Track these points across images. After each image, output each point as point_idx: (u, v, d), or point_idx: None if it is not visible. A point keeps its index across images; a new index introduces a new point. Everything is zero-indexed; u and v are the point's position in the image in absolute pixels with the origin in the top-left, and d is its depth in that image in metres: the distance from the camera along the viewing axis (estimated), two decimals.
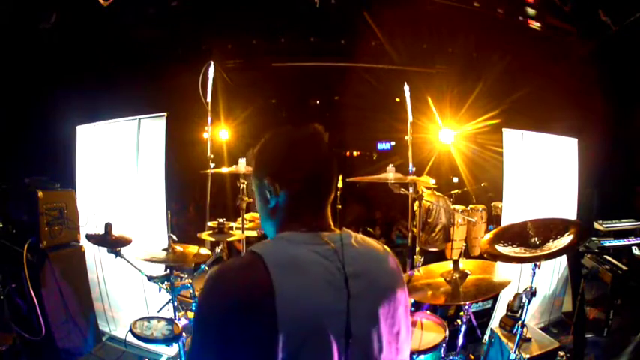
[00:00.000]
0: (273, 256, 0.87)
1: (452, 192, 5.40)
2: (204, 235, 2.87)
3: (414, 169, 2.86)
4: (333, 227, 1.01)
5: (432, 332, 2.32)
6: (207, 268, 2.79)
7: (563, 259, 3.84)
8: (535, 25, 4.01)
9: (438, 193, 5.07)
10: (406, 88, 2.89)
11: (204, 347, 0.86)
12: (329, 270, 0.89)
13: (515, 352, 2.19)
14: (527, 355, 2.50)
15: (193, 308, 2.75)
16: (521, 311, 2.18)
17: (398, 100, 5.03)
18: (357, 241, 0.98)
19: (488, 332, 3.17)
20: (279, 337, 0.80)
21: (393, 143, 9.96)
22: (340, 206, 5.02)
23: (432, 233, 4.83)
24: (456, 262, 2.32)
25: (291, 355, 0.81)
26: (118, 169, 3.70)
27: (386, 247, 1.06)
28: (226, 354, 0.82)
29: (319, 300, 0.86)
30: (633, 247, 3.32)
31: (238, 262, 0.93)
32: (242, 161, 2.72)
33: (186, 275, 2.71)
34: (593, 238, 3.36)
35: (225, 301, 0.84)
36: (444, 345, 2.26)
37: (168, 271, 2.67)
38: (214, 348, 0.84)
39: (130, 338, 2.40)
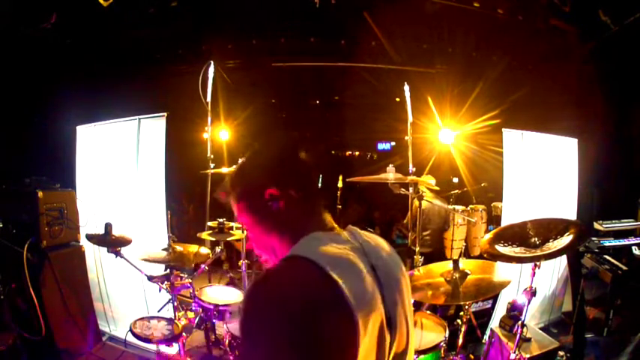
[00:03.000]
0: (320, 256, 0.85)
1: (452, 192, 5.41)
2: (204, 235, 2.87)
3: (414, 169, 2.85)
4: (337, 227, 1.02)
5: (432, 332, 2.32)
6: (206, 267, 2.79)
7: (563, 259, 3.83)
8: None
9: (437, 196, 4.99)
10: (406, 88, 2.89)
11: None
12: (362, 262, 0.91)
13: (515, 352, 2.19)
14: (527, 355, 2.50)
15: (193, 308, 2.75)
16: (521, 311, 2.17)
17: (398, 100, 5.04)
18: (368, 237, 1.01)
19: (488, 332, 3.17)
20: (359, 330, 0.79)
21: (393, 143, 9.96)
22: (340, 206, 5.02)
23: (420, 235, 4.77)
24: (456, 262, 2.32)
25: (367, 346, 0.82)
26: (118, 169, 3.70)
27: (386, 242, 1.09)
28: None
29: (370, 292, 0.87)
30: (633, 247, 3.32)
31: (284, 268, 0.88)
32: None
33: (186, 275, 2.71)
34: (593, 238, 3.36)
35: (294, 308, 0.76)
36: (444, 345, 2.26)
37: (168, 271, 2.67)
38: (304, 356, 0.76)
39: (130, 338, 2.40)
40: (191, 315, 2.67)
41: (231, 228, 2.95)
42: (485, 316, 3.68)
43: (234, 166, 1.08)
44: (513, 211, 3.71)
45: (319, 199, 1.03)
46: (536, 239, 2.09)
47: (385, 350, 0.88)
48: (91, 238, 2.70)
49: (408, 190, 2.79)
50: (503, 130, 3.76)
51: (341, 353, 0.78)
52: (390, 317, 0.90)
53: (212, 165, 2.99)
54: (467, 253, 4.79)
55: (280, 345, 0.76)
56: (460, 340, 2.45)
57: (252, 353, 0.78)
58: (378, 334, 0.86)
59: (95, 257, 3.64)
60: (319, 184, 1.05)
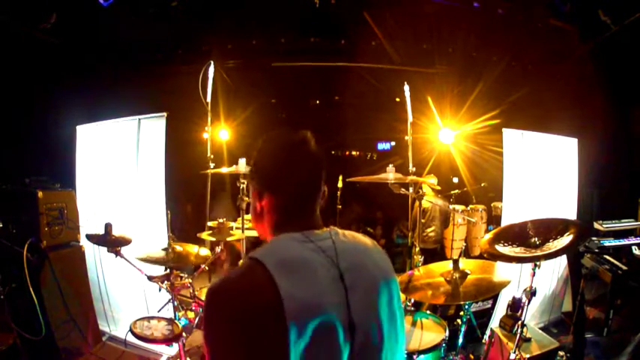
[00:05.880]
0: (272, 258, 0.89)
1: (452, 192, 5.42)
2: (204, 235, 2.87)
3: (414, 169, 2.85)
4: (321, 226, 1.04)
5: (432, 332, 2.32)
6: (206, 267, 2.78)
7: (563, 259, 3.83)
8: None
9: (438, 195, 5.12)
10: (406, 88, 2.89)
11: (221, 357, 0.86)
12: (325, 266, 0.93)
13: (515, 352, 2.19)
14: (527, 355, 2.50)
15: (193, 308, 2.75)
16: (521, 311, 2.17)
17: (398, 100, 5.03)
18: (346, 237, 1.02)
19: (488, 332, 3.17)
20: (291, 335, 0.81)
21: (393, 143, 9.96)
22: (340, 206, 5.02)
23: (422, 233, 4.99)
24: (456, 262, 2.32)
25: (303, 351, 0.83)
26: (118, 169, 3.70)
27: (374, 241, 1.09)
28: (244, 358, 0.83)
29: (322, 295, 0.89)
30: (633, 247, 3.32)
31: (238, 270, 0.96)
32: (242, 161, 2.72)
33: (186, 275, 2.71)
34: (593, 238, 3.36)
35: (233, 310, 0.85)
36: (444, 345, 2.26)
37: (168, 271, 2.66)
38: (233, 357, 0.84)
39: (130, 338, 2.39)
40: (191, 315, 2.67)
41: (231, 228, 2.94)
42: (485, 316, 3.68)
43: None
44: (513, 211, 3.71)
45: (312, 199, 1.04)
46: (536, 239, 2.09)
47: (338, 351, 0.88)
48: (91, 238, 2.69)
49: (408, 190, 2.79)
50: (503, 130, 3.76)
51: (269, 356, 0.82)
52: (353, 320, 0.90)
53: (212, 165, 2.98)
54: (467, 253, 4.80)
55: (216, 341, 0.87)
56: (460, 340, 2.45)
57: (205, 345, 0.89)
58: (327, 336, 0.86)
59: (95, 257, 3.64)
60: (317, 184, 1.05)
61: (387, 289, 1.00)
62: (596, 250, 3.28)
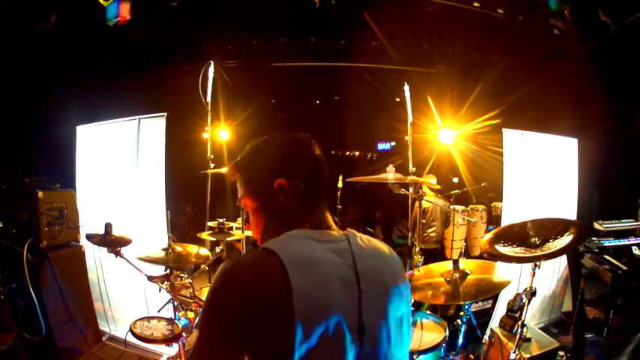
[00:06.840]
0: (288, 253, 0.86)
1: (452, 192, 5.42)
2: (204, 235, 2.87)
3: (414, 169, 2.85)
4: (335, 227, 1.03)
5: (432, 332, 2.32)
6: (206, 268, 2.78)
7: (563, 259, 3.83)
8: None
9: (439, 195, 5.13)
10: (406, 88, 2.89)
11: (217, 347, 0.84)
12: (341, 267, 0.91)
13: (515, 352, 2.19)
14: (527, 355, 2.51)
15: (193, 308, 2.75)
16: (521, 311, 2.17)
17: (398, 100, 5.04)
18: (363, 241, 1.01)
19: (488, 332, 3.17)
20: (297, 333, 0.80)
21: (393, 143, 9.98)
22: (340, 206, 5.02)
23: (423, 233, 5.02)
24: (456, 262, 2.32)
25: (308, 351, 0.81)
26: (118, 169, 3.70)
27: (390, 247, 1.08)
28: (243, 352, 0.81)
29: (334, 296, 0.87)
30: (633, 247, 3.32)
31: (253, 257, 0.91)
32: None
33: (186, 275, 2.71)
34: (593, 238, 3.36)
35: (242, 298, 0.82)
36: (444, 345, 2.26)
37: (168, 271, 2.66)
38: (229, 347, 0.83)
39: (130, 338, 2.39)
40: (191, 315, 2.67)
41: (231, 228, 2.94)
42: (485, 316, 3.68)
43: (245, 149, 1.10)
44: (513, 211, 3.71)
45: (322, 196, 1.04)
46: (536, 239, 2.09)
47: (343, 355, 0.86)
48: (91, 238, 2.69)
49: (408, 190, 2.79)
50: (503, 130, 3.75)
51: (270, 350, 0.81)
52: (363, 324, 0.89)
53: (212, 165, 2.98)
54: (467, 253, 4.80)
55: (216, 329, 0.84)
56: (460, 340, 2.45)
57: (200, 326, 0.86)
58: (334, 339, 0.85)
59: (95, 257, 3.64)
60: (325, 182, 1.05)
61: (398, 296, 1.00)
62: (596, 250, 3.29)
